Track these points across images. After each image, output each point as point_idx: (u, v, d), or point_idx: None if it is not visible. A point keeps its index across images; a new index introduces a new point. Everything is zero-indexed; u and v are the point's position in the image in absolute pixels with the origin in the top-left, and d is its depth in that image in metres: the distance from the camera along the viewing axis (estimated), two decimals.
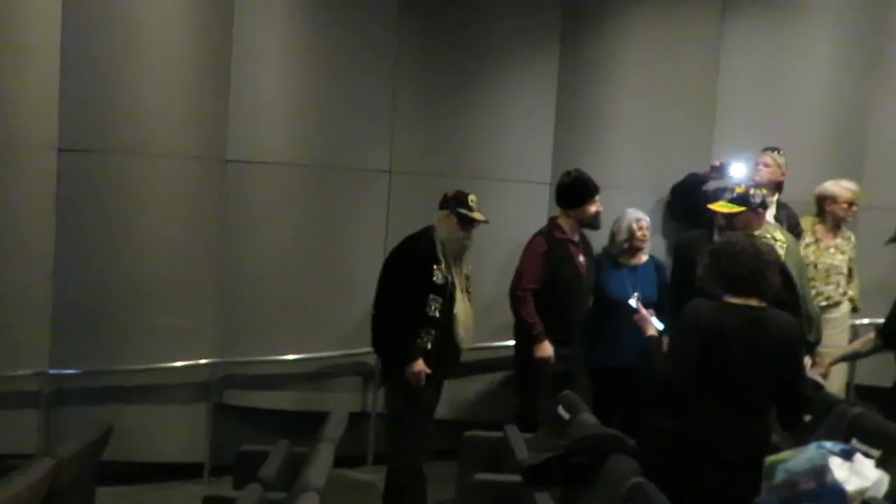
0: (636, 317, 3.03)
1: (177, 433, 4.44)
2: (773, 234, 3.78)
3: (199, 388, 4.46)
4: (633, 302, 3.10)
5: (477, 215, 3.88)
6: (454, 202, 3.87)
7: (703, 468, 2.64)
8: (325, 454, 2.96)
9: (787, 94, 4.86)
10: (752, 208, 3.74)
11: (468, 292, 3.96)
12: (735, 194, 3.76)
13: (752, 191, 3.76)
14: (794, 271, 3.68)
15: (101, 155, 4.21)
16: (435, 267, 3.79)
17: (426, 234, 3.88)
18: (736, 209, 3.73)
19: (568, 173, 4.31)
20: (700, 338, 2.65)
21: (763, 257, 2.68)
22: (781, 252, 3.65)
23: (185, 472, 4.44)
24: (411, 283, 3.76)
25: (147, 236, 4.29)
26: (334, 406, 3.81)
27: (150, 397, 4.34)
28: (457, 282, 3.85)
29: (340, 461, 3.19)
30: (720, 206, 3.79)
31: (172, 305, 4.33)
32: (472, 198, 3.88)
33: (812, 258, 4.35)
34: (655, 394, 2.76)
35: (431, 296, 3.77)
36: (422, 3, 4.66)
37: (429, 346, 3.77)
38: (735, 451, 2.67)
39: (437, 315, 3.78)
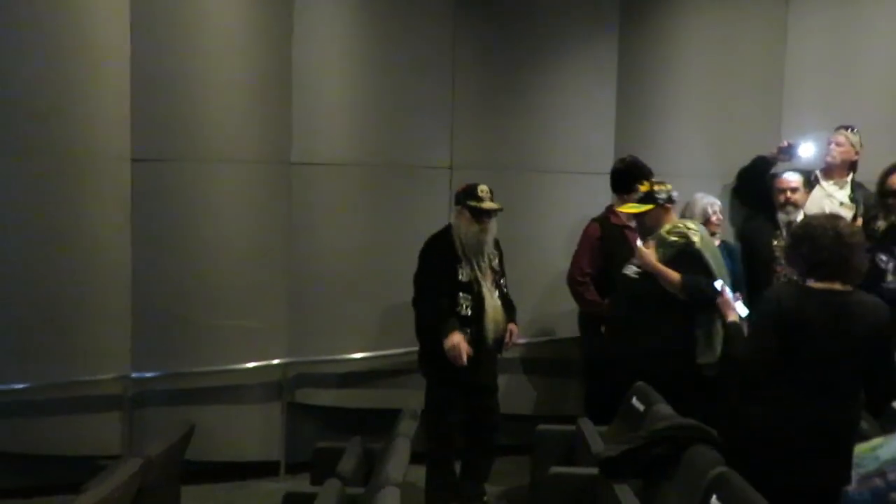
0: (719, 300, 2.97)
1: (252, 432, 4.54)
2: (686, 224, 3.74)
3: (272, 387, 4.55)
4: (718, 284, 3.04)
5: (487, 205, 3.82)
6: (464, 196, 3.87)
7: (789, 456, 2.58)
8: (401, 449, 2.99)
9: (859, 71, 4.70)
10: (659, 205, 3.76)
11: (499, 285, 3.95)
12: (641, 193, 3.78)
13: (656, 187, 3.78)
14: (712, 263, 3.61)
15: (172, 163, 4.33)
16: (458, 266, 3.81)
17: (445, 234, 3.90)
18: (644, 208, 3.76)
19: (622, 159, 4.30)
20: (782, 324, 2.57)
21: (846, 240, 2.58)
22: (696, 240, 3.64)
23: (260, 469, 4.54)
24: (442, 278, 3.78)
25: (218, 240, 4.39)
26: (403, 403, 3.83)
27: (227, 398, 4.45)
28: (481, 277, 3.84)
29: (411, 457, 3.22)
30: (627, 208, 3.83)
31: (245, 308, 4.43)
32: (482, 188, 3.84)
33: None
34: (736, 381, 2.69)
35: (462, 294, 3.80)
36: None
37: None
38: (822, 439, 2.59)
39: (470, 313, 3.79)
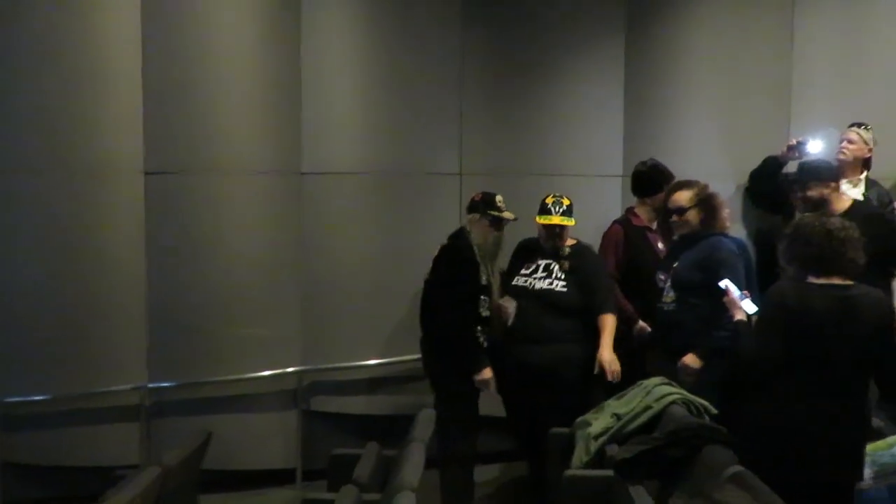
0: (725, 300, 2.96)
1: (269, 440, 4.56)
2: None
3: (287, 395, 4.58)
4: (722, 284, 3.03)
5: (507, 214, 4.02)
6: (483, 205, 4.01)
7: (802, 453, 2.58)
8: (416, 455, 2.99)
9: (867, 67, 4.68)
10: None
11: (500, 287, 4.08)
12: (565, 207, 3.88)
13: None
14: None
15: (184, 175, 4.37)
16: (479, 271, 3.97)
17: (463, 240, 4.00)
18: (572, 222, 3.88)
19: (644, 162, 4.32)
20: (788, 321, 2.59)
21: (836, 235, 2.63)
22: None
23: (277, 477, 4.56)
24: (464, 288, 3.91)
25: (232, 251, 4.43)
26: (418, 409, 3.84)
27: (242, 406, 4.47)
28: (492, 281, 4.00)
29: (427, 462, 3.23)
30: (558, 220, 3.86)
31: (259, 317, 4.47)
32: (499, 198, 4.03)
33: None
34: (745, 379, 2.70)
35: (482, 297, 3.94)
36: (484, 4, 4.68)
37: (484, 344, 3.92)
38: (833, 435, 2.60)
39: (489, 314, 3.93)
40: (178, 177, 4.37)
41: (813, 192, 3.82)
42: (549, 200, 3.94)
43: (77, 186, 4.28)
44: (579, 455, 3.26)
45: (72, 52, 4.22)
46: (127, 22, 4.26)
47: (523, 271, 3.99)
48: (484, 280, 3.97)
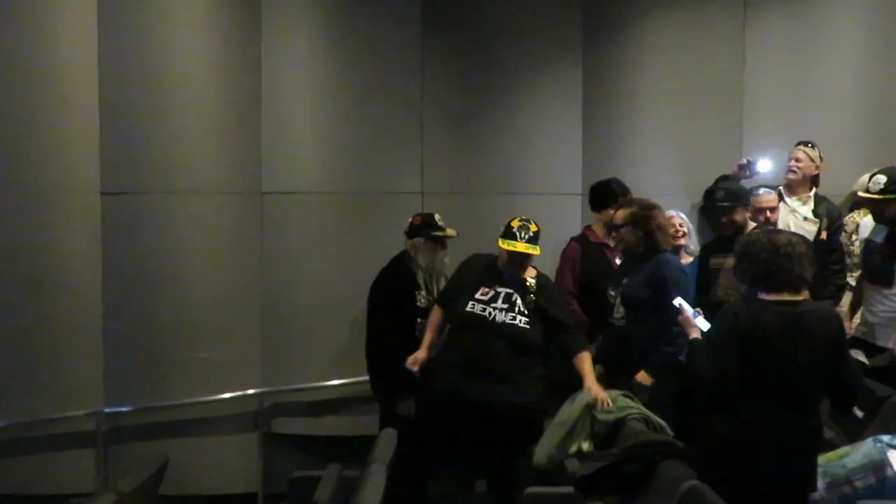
0: (679, 318, 3.01)
1: (230, 464, 4.51)
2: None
3: (248, 418, 4.53)
4: (676, 302, 3.08)
5: (449, 231, 4.07)
6: (425, 227, 4.04)
7: (756, 467, 2.62)
8: (377, 476, 2.98)
9: (817, 87, 4.80)
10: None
11: None
12: (531, 233, 3.69)
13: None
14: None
15: (142, 196, 4.34)
16: (417, 293, 3.99)
17: (403, 264, 4.04)
18: (537, 250, 3.69)
19: (603, 179, 4.38)
20: (741, 338, 2.64)
21: (781, 251, 2.68)
22: None
23: (238, 501, 4.50)
24: (398, 313, 3.95)
25: (191, 272, 4.40)
26: (381, 429, 3.83)
27: (202, 430, 4.42)
28: None
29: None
30: (523, 248, 3.65)
31: (218, 338, 4.43)
32: (437, 217, 4.08)
33: None
34: (701, 395, 2.75)
35: (419, 320, 3.94)
36: (444, 25, 4.73)
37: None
38: (787, 449, 2.65)
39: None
40: (135, 197, 4.33)
41: (738, 217, 4.09)
42: (516, 224, 3.68)
43: (31, 207, 4.23)
44: (553, 438, 3.34)
45: (27, 72, 4.18)
46: (83, 41, 4.23)
47: (479, 296, 3.70)
48: (423, 302, 3.97)
